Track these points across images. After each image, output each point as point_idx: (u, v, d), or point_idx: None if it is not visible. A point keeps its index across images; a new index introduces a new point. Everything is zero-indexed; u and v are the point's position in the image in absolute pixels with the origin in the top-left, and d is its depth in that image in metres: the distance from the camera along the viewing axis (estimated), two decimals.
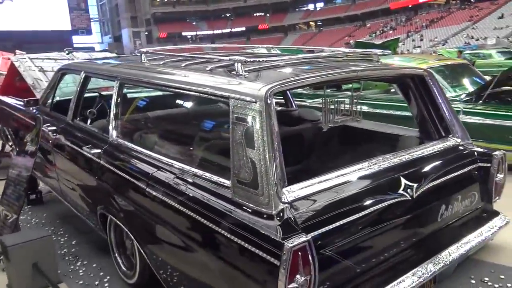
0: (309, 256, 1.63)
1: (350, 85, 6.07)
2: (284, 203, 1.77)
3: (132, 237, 2.49)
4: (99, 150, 2.80)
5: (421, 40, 46.75)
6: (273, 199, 1.74)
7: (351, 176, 2.06)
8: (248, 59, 2.18)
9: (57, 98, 3.95)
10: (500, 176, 2.57)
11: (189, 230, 2.05)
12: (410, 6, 59.58)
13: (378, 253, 2.05)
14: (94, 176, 2.83)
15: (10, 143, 4.85)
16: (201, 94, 2.20)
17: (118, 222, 2.63)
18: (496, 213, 2.63)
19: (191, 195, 2.06)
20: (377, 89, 5.99)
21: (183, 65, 2.58)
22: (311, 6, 72.68)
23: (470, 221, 2.52)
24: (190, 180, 2.12)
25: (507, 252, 2.94)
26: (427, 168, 2.35)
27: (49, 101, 3.99)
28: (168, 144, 2.71)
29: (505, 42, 31.04)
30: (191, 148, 2.63)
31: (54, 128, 3.51)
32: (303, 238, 1.62)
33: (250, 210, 1.79)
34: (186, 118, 3.29)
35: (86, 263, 3.17)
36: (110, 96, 4.17)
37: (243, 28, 69.65)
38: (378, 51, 2.75)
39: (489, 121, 4.50)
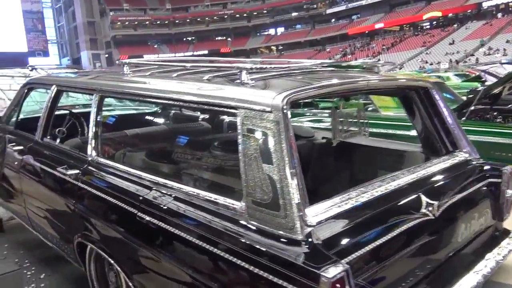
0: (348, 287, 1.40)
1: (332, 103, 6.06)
2: (309, 226, 1.54)
3: (119, 269, 2.18)
4: (76, 171, 2.49)
5: None
6: (298, 222, 1.51)
7: (371, 195, 1.87)
8: (254, 66, 1.97)
9: (23, 116, 3.59)
10: (510, 192, 2.46)
11: (193, 260, 1.77)
12: (366, 32, 61.88)
13: (406, 277, 1.85)
14: (71, 201, 2.50)
15: None
16: (201, 106, 1.97)
17: (100, 252, 2.30)
18: (507, 232, 2.51)
19: (194, 219, 1.80)
20: (352, 107, 5.92)
21: (174, 75, 2.34)
22: (272, 31, 74.08)
23: (486, 241, 2.38)
24: (192, 202, 1.86)
25: None
26: (443, 185, 2.20)
27: (13, 119, 3.61)
28: (161, 162, 2.43)
29: (459, 67, 32.58)
30: (190, 167, 2.37)
31: (21, 147, 3.15)
32: (340, 267, 1.39)
33: (270, 236, 1.55)
34: (181, 133, 3.03)
35: None
36: (81, 113, 3.92)
37: (206, 51, 69.75)
38: (380, 63, 2.63)
39: (473, 138, 4.48)
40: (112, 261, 2.22)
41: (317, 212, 1.62)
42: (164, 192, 1.99)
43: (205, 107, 1.93)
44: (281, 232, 1.53)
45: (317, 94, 1.93)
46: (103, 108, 2.65)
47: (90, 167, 2.47)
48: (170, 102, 2.10)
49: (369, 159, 2.73)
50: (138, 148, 2.64)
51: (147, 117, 3.28)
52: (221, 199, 1.77)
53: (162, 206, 1.93)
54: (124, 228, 2.10)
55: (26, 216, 3.21)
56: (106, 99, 2.70)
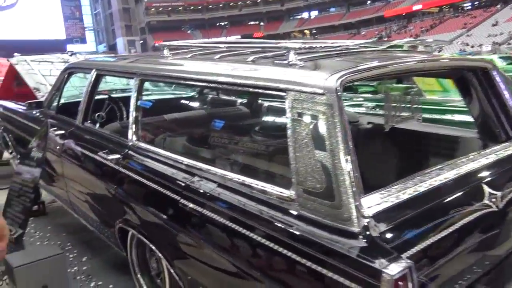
0: (411, 286, 1.29)
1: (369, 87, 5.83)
2: (365, 217, 1.43)
3: (161, 256, 2.14)
4: (117, 156, 2.46)
5: None
6: (354, 213, 1.40)
7: (429, 185, 1.72)
8: (302, 46, 1.85)
9: (63, 100, 3.60)
10: None
11: (237, 249, 1.70)
12: (404, 14, 59.88)
13: (467, 273, 1.71)
14: (112, 185, 2.48)
15: (10, 151, 4.48)
16: (246, 89, 1.87)
17: (142, 238, 2.27)
18: None
19: (239, 207, 1.72)
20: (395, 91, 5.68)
21: (216, 57, 2.25)
22: (305, 15, 72.90)
23: None
24: (237, 190, 1.78)
25: None
26: (506, 174, 2.02)
27: (55, 103, 3.64)
28: (203, 148, 2.36)
29: (503, 49, 31.08)
30: (233, 153, 2.28)
31: (62, 132, 3.16)
32: (403, 263, 1.27)
33: (323, 227, 1.45)
34: (222, 118, 2.95)
35: (101, 284, 2.81)
36: (119, 98, 3.91)
37: (238, 36, 69.59)
38: (432, 42, 2.45)
39: None
40: (153, 247, 2.19)
41: (372, 202, 1.50)
42: (208, 178, 1.92)
43: (251, 90, 1.83)
44: (335, 224, 1.43)
45: (372, 75, 1.79)
46: (143, 93, 2.60)
47: (130, 152, 2.43)
48: (213, 85, 2.03)
49: (421, 146, 2.56)
50: (179, 133, 2.58)
51: (186, 101, 3.21)
52: (268, 187, 1.68)
53: (205, 193, 1.86)
54: (166, 214, 2.05)
55: (67, 200, 3.24)
56: (146, 83, 2.65)
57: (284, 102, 1.67)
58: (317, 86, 1.56)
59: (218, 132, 2.43)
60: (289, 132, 1.62)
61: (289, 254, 1.47)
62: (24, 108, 3.96)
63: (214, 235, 1.81)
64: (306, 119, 1.56)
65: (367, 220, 1.41)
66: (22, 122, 3.89)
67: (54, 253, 2.48)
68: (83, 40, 67.02)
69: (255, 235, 1.60)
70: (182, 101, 3.45)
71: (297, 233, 1.49)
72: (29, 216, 2.76)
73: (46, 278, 2.40)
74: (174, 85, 3.81)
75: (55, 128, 3.23)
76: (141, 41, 69.10)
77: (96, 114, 3.18)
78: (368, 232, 1.38)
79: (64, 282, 2.49)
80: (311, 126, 1.55)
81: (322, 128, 1.51)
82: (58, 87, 3.57)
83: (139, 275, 2.50)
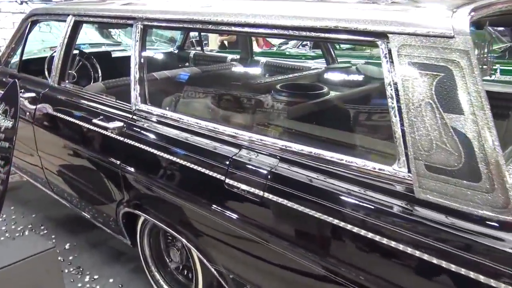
0: None
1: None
2: None
3: (192, 248, 1.71)
4: (120, 124, 1.94)
5: None
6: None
7: None
8: None
9: (27, 56, 2.95)
10: None
11: (325, 246, 1.31)
12: None
13: None
14: (114, 161, 1.98)
15: None
16: (322, 35, 1.40)
17: (162, 226, 1.82)
18: None
19: (319, 188, 1.31)
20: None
21: None
22: None
23: None
24: (313, 166, 1.36)
25: None
26: None
27: (15, 59, 2.98)
28: (251, 111, 1.89)
29: None
30: (302, 117, 1.83)
31: (32, 95, 2.56)
32: None
33: (462, 216, 1.08)
34: (285, 70, 2.42)
35: (97, 278, 2.33)
36: (95, 54, 3.29)
37: None
38: None
39: None
40: (182, 239, 1.75)
41: None
42: (263, 152, 1.49)
43: (332, 36, 1.38)
44: (483, 212, 1.06)
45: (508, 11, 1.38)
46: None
47: (136, 118, 1.93)
48: (264, 30, 1.54)
49: None
50: (204, 92, 2.07)
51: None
52: (357, 162, 1.28)
53: (264, 170, 1.43)
54: (203, 198, 1.60)
55: (43, 178, 2.68)
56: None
57: (381, 51, 1.25)
58: (442, 26, 1.15)
59: (273, 91, 1.97)
60: (390, 90, 1.22)
61: (407, 249, 1.11)
62: None
63: (279, 222, 1.41)
64: (424, 71, 1.15)
65: None
66: None
67: (42, 248, 1.96)
68: None
69: (354, 228, 1.21)
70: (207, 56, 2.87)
71: (422, 223, 1.12)
72: (2, 201, 2.20)
73: (35, 281, 1.90)
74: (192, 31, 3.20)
75: (21, 91, 2.60)
76: None
77: (74, 72, 2.59)
78: None
79: (59, 284, 2.00)
80: (434, 81, 1.14)
81: (454, 84, 1.11)
82: (19, 40, 2.90)
83: (153, 269, 2.06)
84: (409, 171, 1.18)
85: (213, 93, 2.07)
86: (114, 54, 3.68)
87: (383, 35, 1.24)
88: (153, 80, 2.34)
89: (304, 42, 5.75)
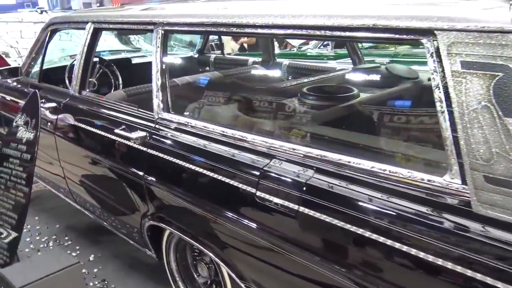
0: None
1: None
2: None
3: (220, 263, 1.62)
4: (143, 134, 1.87)
5: None
6: None
7: None
8: None
9: (48, 65, 2.92)
10: None
11: (374, 268, 1.20)
12: None
13: None
14: (137, 173, 1.90)
15: None
16: (358, 34, 1.29)
17: (188, 240, 1.73)
18: None
19: (359, 202, 1.20)
20: None
21: None
22: None
23: None
24: (345, 175, 1.25)
25: None
26: None
27: (36, 69, 2.95)
28: (281, 118, 1.79)
29: None
30: (337, 124, 1.72)
31: (53, 105, 2.51)
32: None
33: None
34: (317, 74, 2.32)
35: None
36: (114, 61, 3.25)
37: None
38: None
39: None
40: (210, 253, 1.66)
41: None
42: (295, 161, 1.38)
43: (369, 35, 1.26)
44: None
45: None
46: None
47: (160, 127, 1.85)
48: (294, 31, 1.43)
49: None
50: (229, 98, 1.98)
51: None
52: (414, 175, 1.16)
53: (300, 182, 1.32)
54: (231, 211, 1.51)
55: (66, 189, 2.64)
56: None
57: (426, 50, 1.13)
58: (497, 19, 1.03)
59: (300, 94, 1.86)
60: (438, 93, 1.10)
61: (479, 276, 0.98)
62: None
63: (319, 241, 1.30)
64: (482, 72, 1.03)
65: None
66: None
67: (67, 263, 1.90)
68: (34, 4, 62.85)
69: (411, 249, 1.09)
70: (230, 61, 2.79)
71: (486, 243, 0.99)
72: (25, 214, 2.15)
73: None
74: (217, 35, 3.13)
75: (42, 101, 2.57)
76: (98, 4, 65.55)
77: (95, 80, 2.54)
78: None
79: None
80: (492, 83, 1.02)
81: None
82: (39, 49, 2.87)
83: (180, 284, 1.97)
84: (464, 183, 1.06)
85: (238, 99, 1.97)
86: (134, 61, 3.64)
87: (429, 32, 1.12)
88: (175, 87, 2.26)
89: (326, 42, 5.61)
